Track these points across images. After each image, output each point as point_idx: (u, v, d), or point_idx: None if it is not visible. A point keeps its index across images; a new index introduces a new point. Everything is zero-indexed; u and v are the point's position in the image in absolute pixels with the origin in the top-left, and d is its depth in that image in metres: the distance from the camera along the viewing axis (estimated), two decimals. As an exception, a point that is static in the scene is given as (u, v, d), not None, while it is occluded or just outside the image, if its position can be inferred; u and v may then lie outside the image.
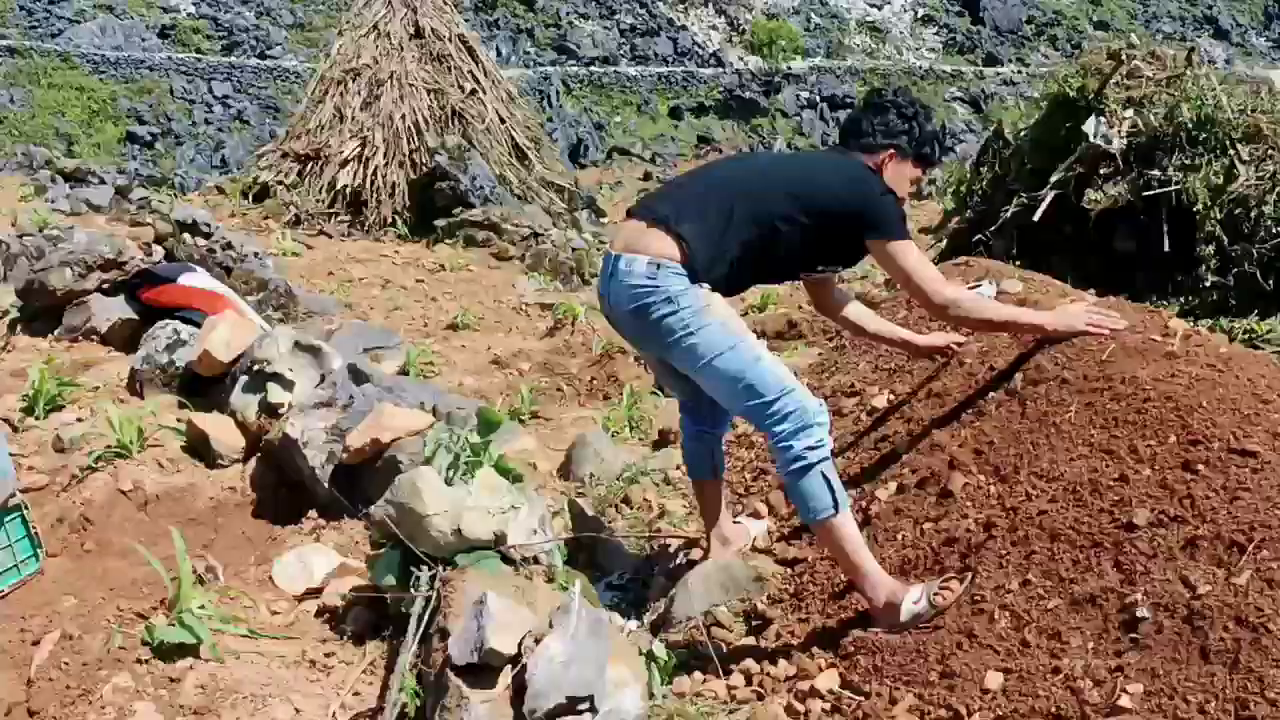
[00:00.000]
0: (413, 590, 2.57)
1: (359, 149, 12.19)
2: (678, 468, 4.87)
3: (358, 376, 6.41)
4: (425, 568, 2.62)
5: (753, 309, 8.65)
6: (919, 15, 61.32)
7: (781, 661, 3.04)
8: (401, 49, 12.71)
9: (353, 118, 12.39)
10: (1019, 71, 52.45)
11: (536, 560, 2.71)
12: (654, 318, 2.92)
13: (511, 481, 2.97)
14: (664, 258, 2.92)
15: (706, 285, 2.95)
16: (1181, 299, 6.10)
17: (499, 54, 52.76)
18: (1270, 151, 5.99)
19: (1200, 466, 2.74)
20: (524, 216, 11.55)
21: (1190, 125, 6.21)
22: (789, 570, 3.57)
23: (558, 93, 51.11)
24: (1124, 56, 6.73)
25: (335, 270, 10.45)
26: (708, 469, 3.66)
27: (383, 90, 12.46)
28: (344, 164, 12.14)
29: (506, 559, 2.64)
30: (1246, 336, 5.64)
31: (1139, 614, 2.50)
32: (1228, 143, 6.08)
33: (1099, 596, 2.63)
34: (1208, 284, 5.89)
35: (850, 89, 54.43)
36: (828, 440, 2.95)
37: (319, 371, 3.91)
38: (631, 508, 4.92)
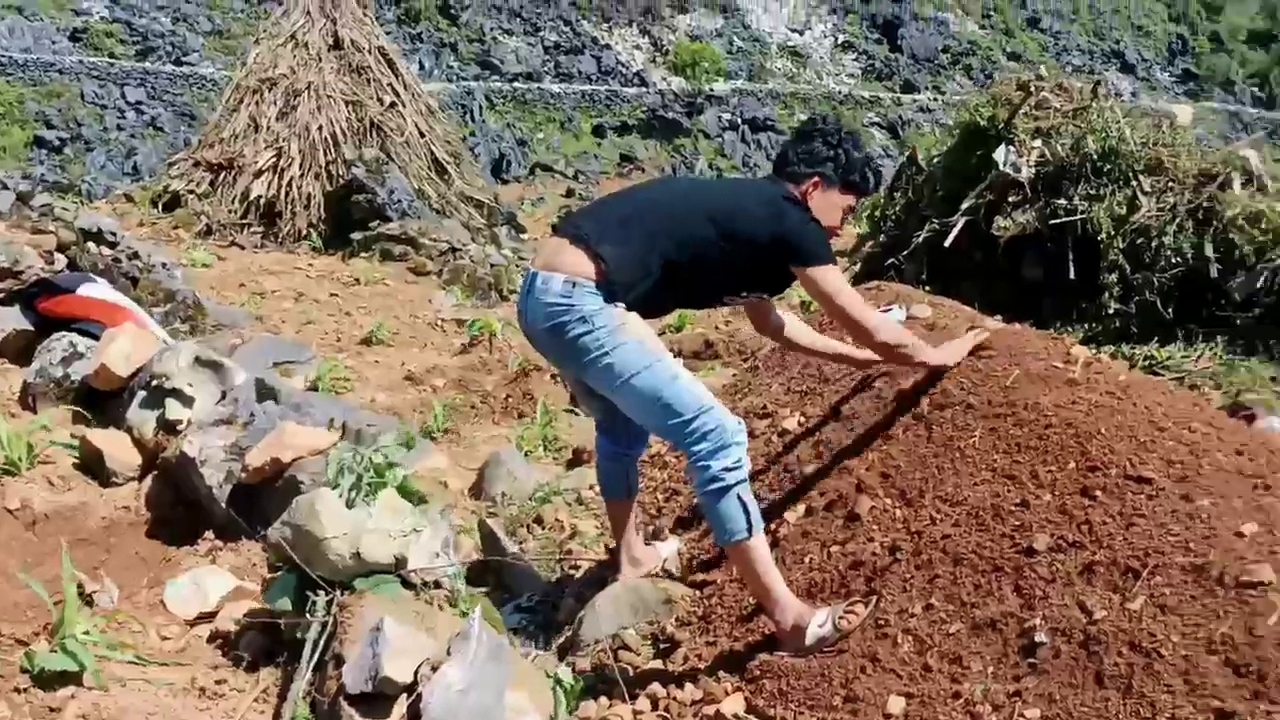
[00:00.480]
0: (308, 615, 2.50)
1: (274, 159, 11.96)
2: (591, 487, 4.83)
3: (265, 392, 6.29)
4: (322, 592, 2.55)
5: (670, 329, 8.66)
6: (839, 41, 62.31)
7: (688, 685, 3.02)
8: (320, 59, 12.52)
9: (268, 127, 12.16)
10: (935, 99, 53.60)
11: (438, 584, 2.66)
12: (569, 336, 2.90)
13: (415, 503, 2.91)
14: (580, 276, 2.90)
15: (622, 305, 2.92)
16: (1086, 325, 6.25)
17: (422, 67, 52.33)
18: (1170, 184, 6.18)
19: (1098, 493, 2.79)
20: (442, 231, 11.44)
21: (1095, 156, 6.38)
22: (698, 592, 3.55)
23: (481, 108, 50.82)
24: (1033, 88, 6.90)
25: (247, 282, 10.22)
26: (622, 489, 3.63)
27: (299, 100, 12.26)
28: (258, 174, 11.90)
29: (407, 583, 2.58)
30: (1147, 363, 5.80)
31: (1037, 639, 2.53)
32: (1131, 174, 6.26)
33: (999, 621, 2.66)
34: (1111, 311, 6.04)
35: (771, 112, 55.05)
36: (745, 461, 2.95)
37: (220, 387, 3.80)
38: (543, 528, 4.87)
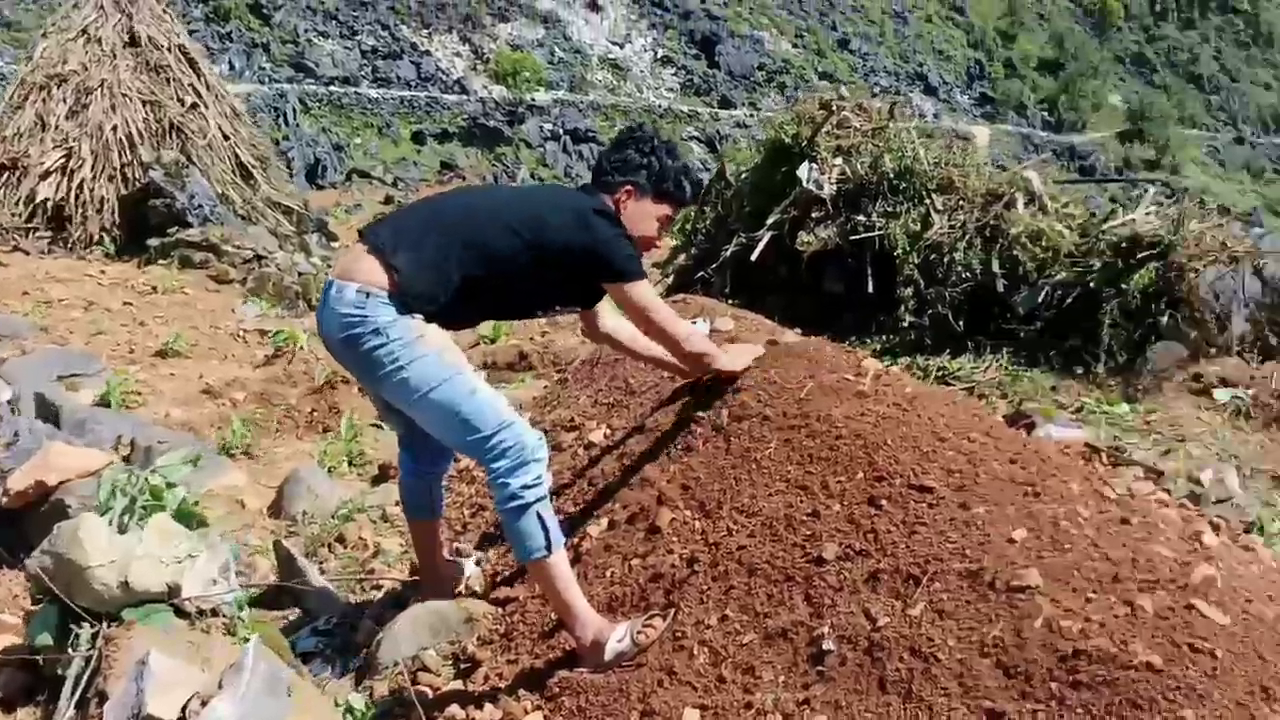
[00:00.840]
0: (70, 650, 2.33)
1: (63, 160, 11.25)
2: (396, 503, 4.71)
3: (45, 407, 5.91)
4: (86, 625, 2.38)
5: (484, 340, 8.56)
6: (658, 56, 63.26)
7: (488, 705, 2.98)
8: (114, 56, 11.85)
9: (57, 126, 11.43)
10: (751, 115, 55.02)
11: (216, 612, 2.52)
12: (363, 349, 2.82)
13: (195, 526, 2.77)
14: (374, 286, 2.82)
15: (419, 316, 2.85)
16: (884, 338, 6.48)
17: (232, 68, 50.42)
18: (961, 202, 6.48)
19: (884, 502, 2.88)
20: (247, 238, 11.00)
21: (892, 175, 6.64)
22: (501, 610, 3.50)
23: (295, 111, 49.31)
24: (835, 107, 7.13)
25: (31, 290, 9.59)
26: (425, 508, 3.56)
27: (92, 99, 11.57)
28: (45, 175, 11.17)
29: (182, 612, 2.44)
30: (940, 374, 6.05)
31: (825, 647, 2.58)
32: (925, 193, 6.53)
33: (790, 630, 2.70)
34: (907, 324, 6.29)
35: (593, 123, 55.43)
36: (546, 477, 2.93)
37: (-18, 405, 3.52)
38: (345, 547, 4.74)
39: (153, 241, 10.72)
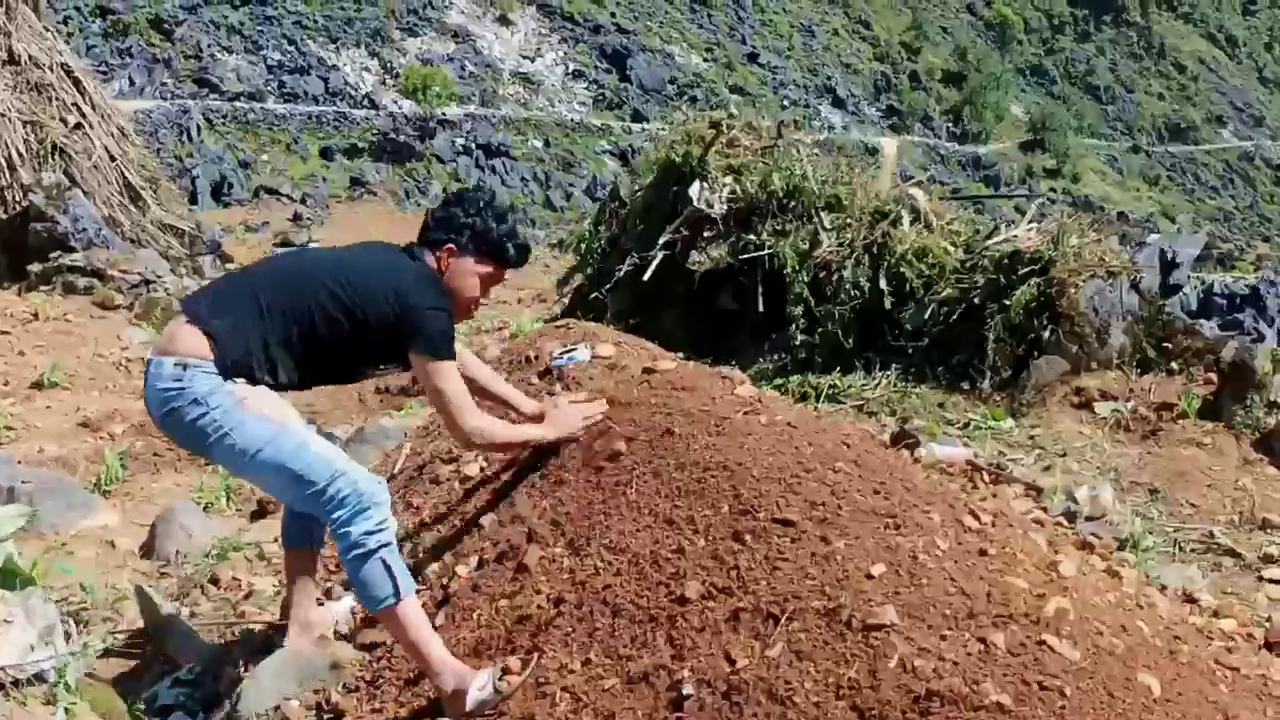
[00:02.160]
0: None
1: (-62, 183, 10.84)
2: (275, 540, 4.55)
3: (-100, 449, 5.62)
4: (-112, 700, 2.22)
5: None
6: (570, 70, 63.36)
7: (348, 760, 2.86)
8: (-8, 75, 11.47)
9: (-70, 148, 11.01)
10: (663, 128, 55.31)
11: (39, 679, 2.37)
12: (186, 421, 2.81)
13: (19, 586, 2.60)
14: (193, 357, 2.81)
15: (242, 381, 2.82)
16: (777, 355, 6.47)
17: (132, 83, 49.30)
18: (849, 220, 6.50)
19: (748, 536, 2.82)
20: (135, 262, 10.67)
21: (781, 193, 6.64)
22: (368, 655, 3.38)
23: (199, 127, 48.41)
24: (724, 126, 7.12)
25: (-101, 319, 9.19)
26: (303, 539, 3.46)
27: (-32, 120, 11.17)
28: (-81, 199, 10.75)
29: (-4, 682, 2.29)
30: (831, 391, 6.05)
31: (685, 691, 2.52)
32: (813, 211, 6.54)
33: (651, 674, 2.63)
34: (798, 342, 6.28)
35: (505, 138, 55.30)
36: (390, 523, 2.88)
37: None
38: (219, 588, 4.56)
39: (34, 267, 10.34)
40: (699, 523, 2.95)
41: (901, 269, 6.21)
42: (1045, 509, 4.30)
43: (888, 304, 6.19)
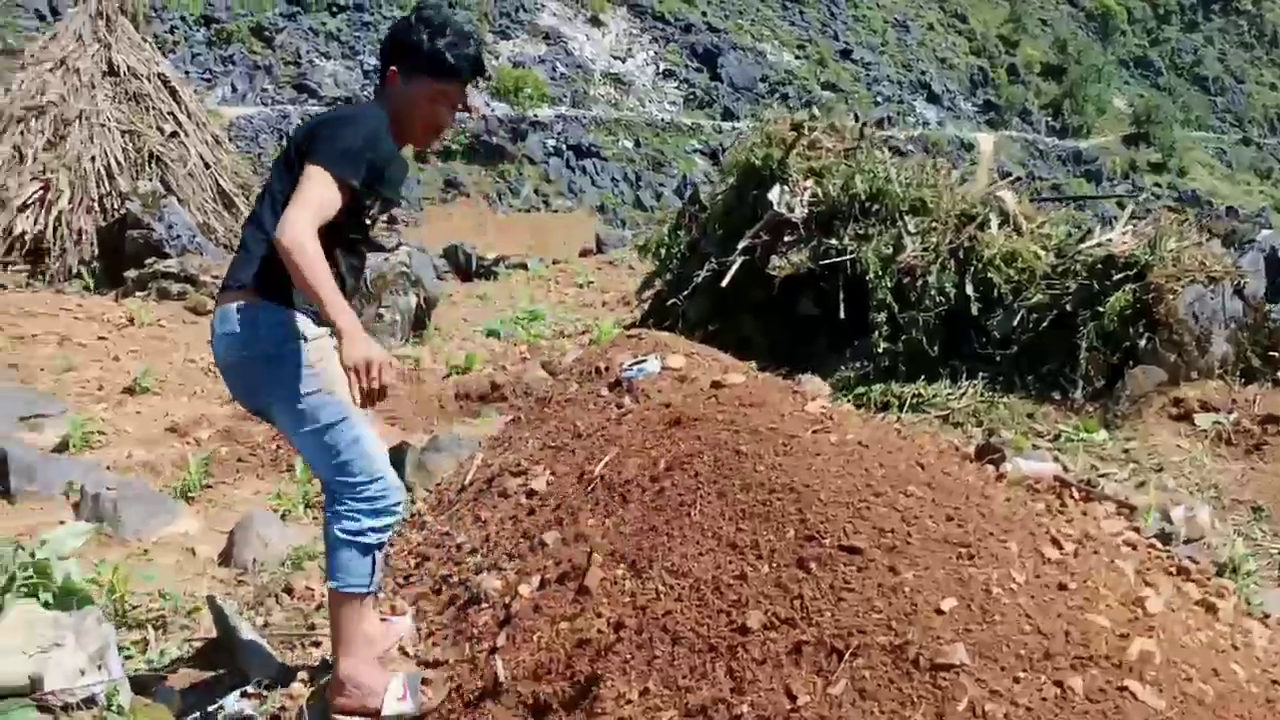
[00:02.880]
0: (-79, 752, 2.17)
1: (41, 192, 11.16)
2: (347, 550, 4.53)
3: (-8, 454, 5.77)
4: (-58, 722, 2.22)
5: (455, 370, 8.40)
6: (660, 70, 63.28)
7: (404, 784, 2.82)
8: (93, 87, 11.77)
9: (34, 158, 11.34)
10: (752, 128, 54.95)
11: (90, 703, 2.36)
12: (258, 372, 2.86)
13: (78, 605, 2.60)
14: (239, 298, 2.86)
15: (302, 318, 2.80)
16: (859, 363, 6.29)
17: (234, 90, 50.58)
18: (934, 224, 6.29)
19: (813, 564, 2.70)
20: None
21: (864, 197, 6.46)
22: (430, 672, 3.34)
23: (297, 132, 49.41)
24: (806, 128, 6.96)
25: (5, 325, 9.47)
26: None
27: (70, 130, 11.49)
28: (23, 208, 11.08)
29: (45, 707, 2.28)
30: (915, 400, 5.86)
31: (742, 728, 2.41)
32: (897, 214, 6.35)
33: (710, 708, 2.53)
34: (880, 350, 6.09)
35: (596, 138, 55.44)
36: (393, 529, 3.01)
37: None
38: (292, 597, 4.57)
39: (130, 273, 10.60)
40: (763, 548, 2.84)
41: (989, 274, 5.99)
42: (1138, 529, 4.06)
43: (974, 310, 5.98)
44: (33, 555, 2.66)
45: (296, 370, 2.78)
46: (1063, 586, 2.49)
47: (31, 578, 2.58)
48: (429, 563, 4.20)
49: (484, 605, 3.43)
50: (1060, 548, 2.76)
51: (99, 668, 2.36)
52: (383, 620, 3.59)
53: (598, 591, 3.09)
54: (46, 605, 2.51)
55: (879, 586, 2.55)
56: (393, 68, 2.92)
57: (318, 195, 2.66)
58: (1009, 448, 4.80)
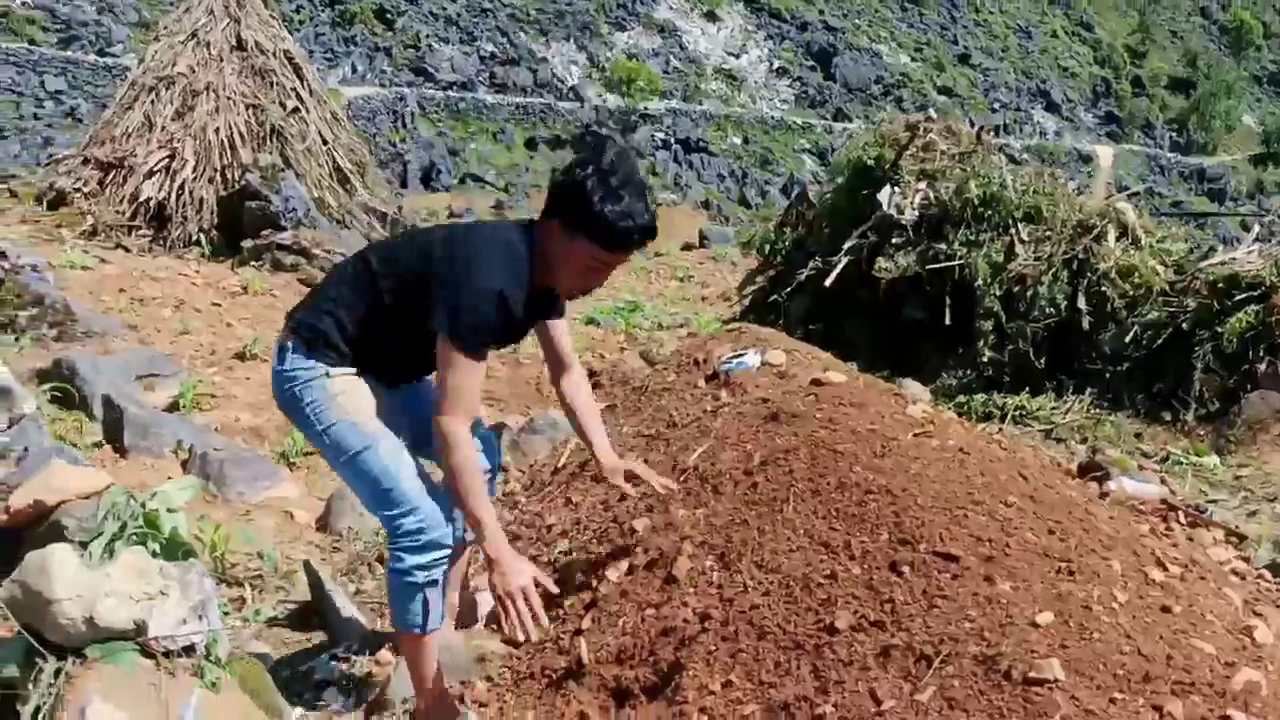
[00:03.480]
0: (30, 686, 2.26)
1: (167, 160, 11.54)
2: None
3: (112, 409, 5.99)
4: (52, 660, 2.31)
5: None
6: (774, 67, 62.92)
7: (485, 756, 2.86)
8: (221, 60, 12.13)
9: (163, 127, 11.73)
10: (865, 129, 54.23)
11: (190, 651, 2.43)
12: (292, 407, 2.84)
13: (182, 557, 2.68)
14: (286, 339, 2.84)
15: (337, 370, 2.78)
16: (962, 371, 6.18)
17: (354, 70, 51.76)
18: (1048, 233, 6.14)
19: (906, 568, 2.66)
20: (339, 242, 11.11)
21: (977, 202, 6.33)
22: (514, 651, 3.38)
23: (413, 114, 50.37)
24: (921, 129, 6.85)
25: (127, 288, 9.79)
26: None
27: (197, 101, 11.86)
28: (149, 175, 11.46)
29: (148, 652, 2.35)
30: (1018, 413, 5.73)
31: (825, 728, 2.38)
32: (1010, 222, 6.21)
33: (793, 705, 2.51)
34: (985, 359, 5.98)
35: (705, 133, 55.39)
36: (443, 563, 2.82)
37: (6, 415, 3.52)
38: (383, 567, 4.66)
39: (246, 243, 10.89)
40: (855, 549, 2.81)
41: (1103, 288, 5.82)
42: (1247, 559, 3.92)
43: (1085, 324, 5.82)
44: (143, 506, 2.74)
45: (317, 402, 2.76)
46: (1166, 609, 2.41)
47: (141, 527, 2.67)
48: (519, 541, 4.24)
49: (569, 597, 3.44)
50: (1165, 570, 2.67)
51: (200, 618, 2.43)
52: (466, 593, 3.64)
53: (685, 581, 3.09)
54: (154, 555, 2.59)
55: (974, 595, 2.50)
56: (556, 221, 2.68)
57: (467, 390, 2.64)
58: (1114, 467, 4.66)
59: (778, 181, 52.74)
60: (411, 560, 2.74)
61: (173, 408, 6.97)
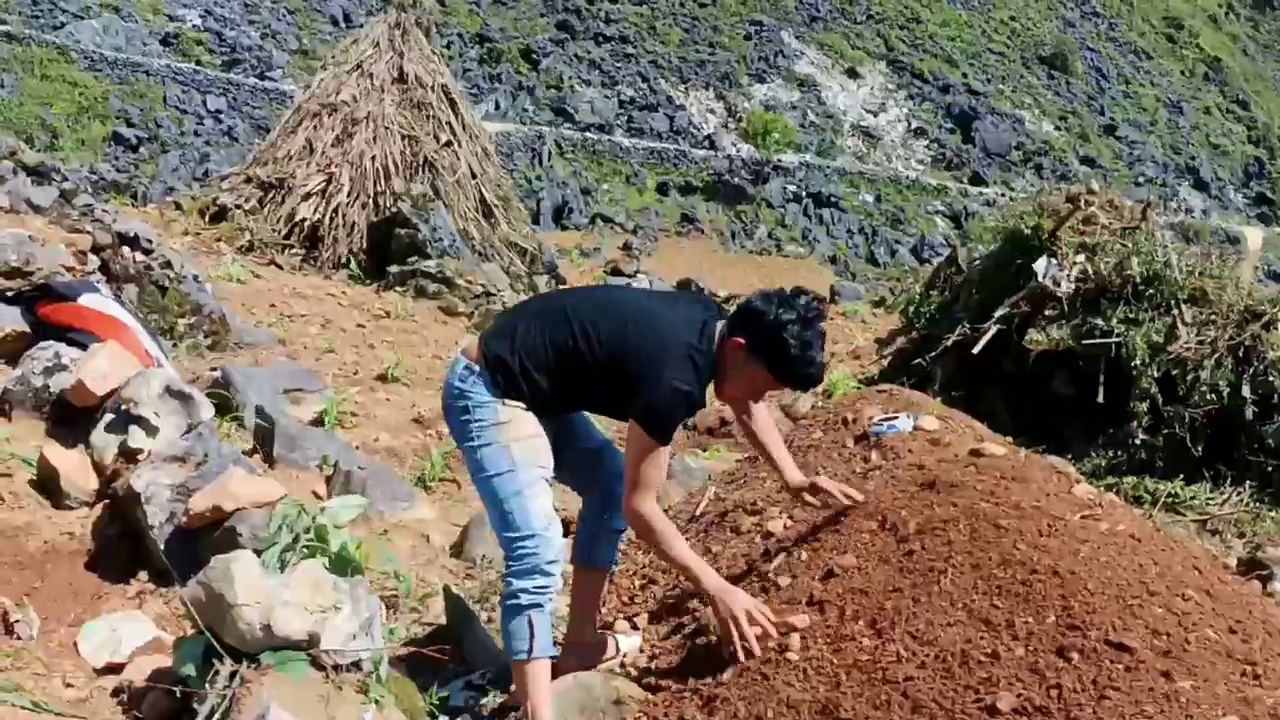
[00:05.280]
0: (208, 687, 2.34)
1: (324, 184, 12.01)
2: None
3: (263, 419, 6.20)
4: (229, 662, 2.39)
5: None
6: (912, 127, 62.42)
7: (619, 803, 2.84)
8: (383, 91, 12.61)
9: (323, 152, 12.22)
10: (1003, 194, 53.13)
11: (356, 667, 2.49)
12: (457, 419, 3.08)
13: (349, 574, 2.75)
14: (478, 362, 3.05)
15: (511, 402, 3.00)
16: (1111, 452, 5.99)
17: (497, 107, 53.09)
18: (1213, 317, 5.94)
19: (1074, 655, 2.58)
20: (480, 274, 11.38)
21: (1138, 279, 6.16)
22: (653, 697, 3.35)
23: (550, 153, 51.35)
24: (1083, 201, 6.70)
25: (278, 303, 10.19)
26: (586, 557, 3.56)
27: (357, 129, 12.34)
28: (306, 197, 11.95)
29: (318, 664, 2.42)
30: (1170, 500, 5.53)
31: (982, 814, 2.31)
32: (1173, 302, 6.03)
33: (950, 784, 2.44)
34: (1137, 441, 5.78)
35: (837, 188, 55.13)
36: (552, 591, 3.04)
37: (187, 421, 3.67)
38: (501, 596, 4.69)
39: (392, 269, 11.24)
40: (1019, 629, 2.73)
41: (1270, 377, 5.59)
42: None
43: (1249, 414, 5.59)
44: (314, 519, 2.82)
45: (482, 421, 2.98)
46: (1362, 725, 2.28)
47: (313, 540, 2.75)
48: (654, 585, 4.23)
49: (712, 636, 3.41)
50: (1355, 684, 2.53)
51: (367, 635, 2.49)
52: (600, 634, 3.64)
53: (799, 659, 3.03)
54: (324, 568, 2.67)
55: (1149, 690, 2.40)
56: (743, 340, 2.96)
57: (656, 477, 3.02)
58: (1278, 566, 4.45)
59: (908, 241, 52.11)
60: (518, 584, 2.97)
61: (316, 423, 7.17)
